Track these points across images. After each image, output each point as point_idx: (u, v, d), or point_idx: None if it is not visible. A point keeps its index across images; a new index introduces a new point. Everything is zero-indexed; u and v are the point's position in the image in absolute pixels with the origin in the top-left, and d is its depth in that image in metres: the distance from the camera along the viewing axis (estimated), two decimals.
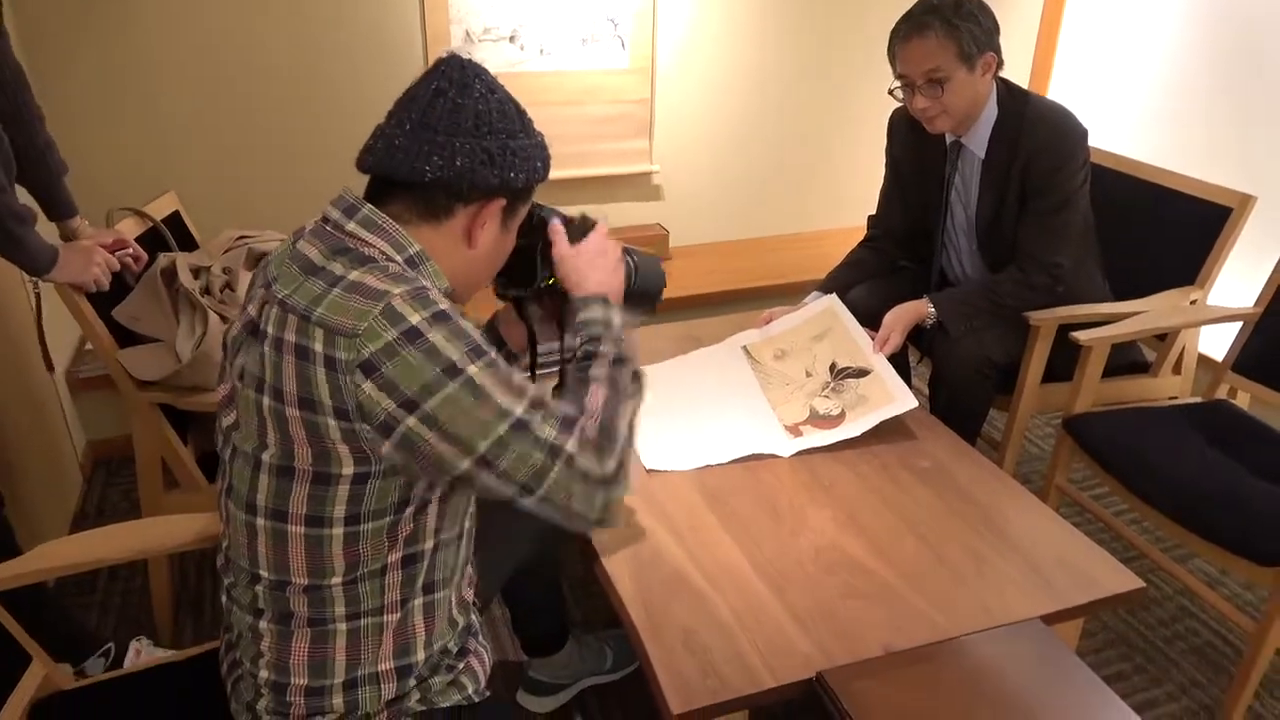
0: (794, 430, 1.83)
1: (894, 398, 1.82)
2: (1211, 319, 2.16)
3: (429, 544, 1.08)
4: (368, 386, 0.94)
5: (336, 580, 1.03)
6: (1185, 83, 2.72)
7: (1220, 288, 2.40)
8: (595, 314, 1.18)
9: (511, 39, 2.86)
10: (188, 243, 2.18)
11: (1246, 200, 2.13)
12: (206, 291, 1.89)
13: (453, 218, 1.07)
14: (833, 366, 1.95)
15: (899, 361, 2.13)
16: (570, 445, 1.01)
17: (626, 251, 1.32)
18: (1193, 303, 2.21)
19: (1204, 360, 2.44)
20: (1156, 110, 2.82)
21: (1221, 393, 2.17)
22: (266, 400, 0.99)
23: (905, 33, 1.92)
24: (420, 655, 1.11)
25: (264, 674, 1.08)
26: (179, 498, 1.93)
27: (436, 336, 0.97)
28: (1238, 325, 2.15)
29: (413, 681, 1.11)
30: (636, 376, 1.15)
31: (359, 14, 2.69)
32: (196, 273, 1.92)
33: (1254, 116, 2.55)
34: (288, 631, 1.06)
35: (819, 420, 1.84)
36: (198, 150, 2.68)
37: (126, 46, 2.52)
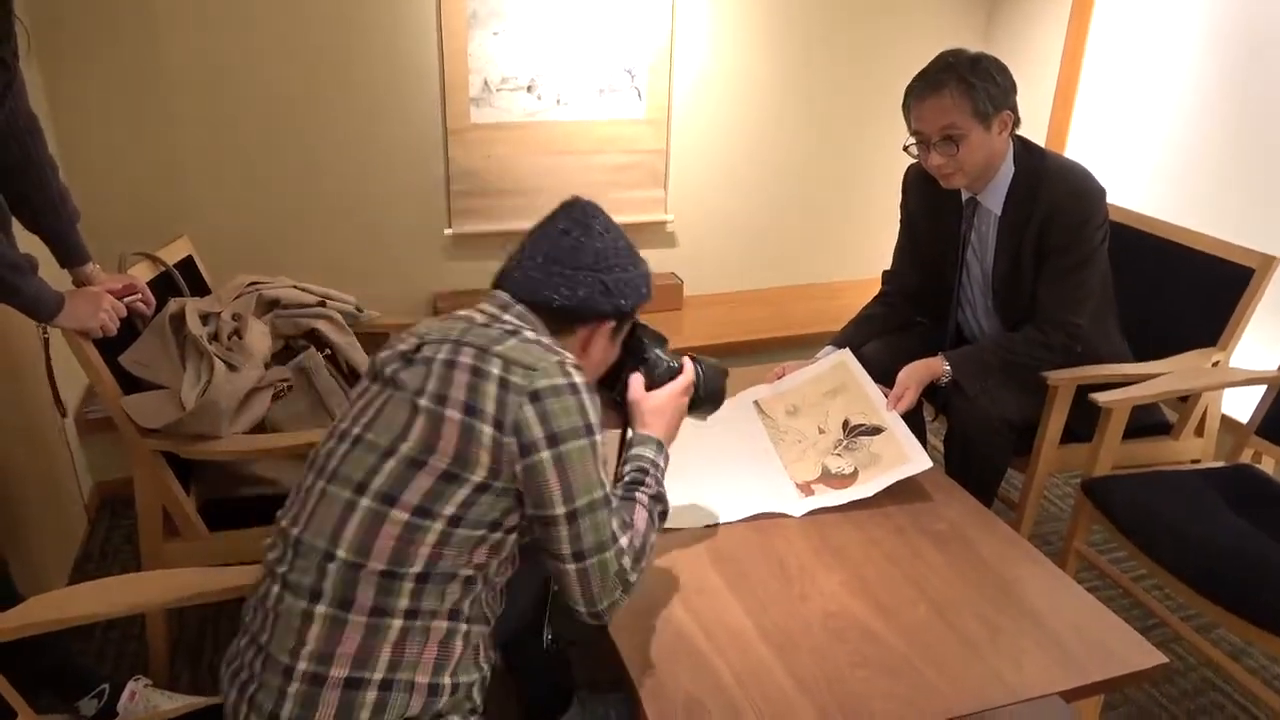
0: (805, 489, 1.79)
1: (908, 457, 1.79)
2: (1234, 382, 2.12)
3: (493, 572, 1.20)
4: (529, 410, 1.13)
5: (413, 570, 1.11)
6: (1206, 142, 2.71)
7: (1243, 349, 2.35)
8: (647, 452, 1.35)
9: (529, 88, 2.88)
10: (200, 287, 2.19)
11: (1270, 261, 2.10)
12: (214, 338, 1.89)
13: (573, 334, 1.29)
14: (846, 424, 1.91)
15: (913, 419, 2.09)
16: (623, 540, 1.21)
17: (695, 360, 1.48)
18: (1215, 364, 2.17)
19: (1227, 422, 2.39)
20: (1177, 169, 2.80)
21: (1245, 457, 2.12)
22: (424, 402, 1.14)
23: (921, 90, 1.91)
24: (447, 679, 1.14)
25: (302, 665, 1.09)
26: (179, 546, 1.91)
27: (586, 400, 1.18)
28: (1262, 387, 2.11)
29: (438, 704, 1.13)
30: (665, 514, 1.34)
31: (377, 63, 2.72)
32: (205, 319, 1.91)
33: (1276, 176, 2.52)
34: (342, 619, 1.10)
35: (831, 479, 1.80)
36: (213, 195, 2.70)
37: (144, 93, 2.55)
